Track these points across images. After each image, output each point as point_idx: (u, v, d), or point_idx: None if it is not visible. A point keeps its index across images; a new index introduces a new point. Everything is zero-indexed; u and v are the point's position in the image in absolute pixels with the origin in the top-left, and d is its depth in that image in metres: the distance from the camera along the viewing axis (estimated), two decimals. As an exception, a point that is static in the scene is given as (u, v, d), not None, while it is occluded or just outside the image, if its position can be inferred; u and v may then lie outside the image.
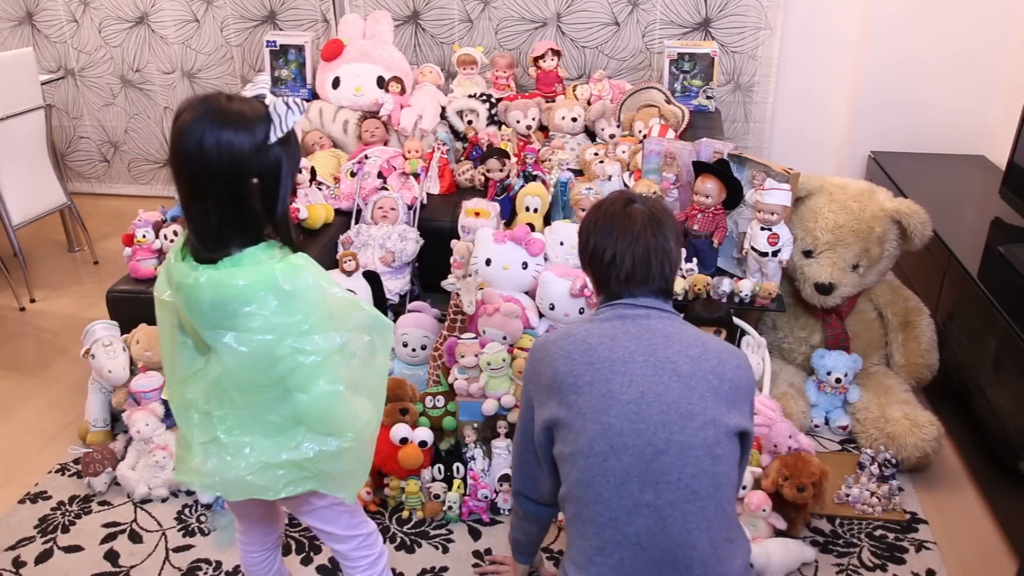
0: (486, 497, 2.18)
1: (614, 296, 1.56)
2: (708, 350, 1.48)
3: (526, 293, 2.60)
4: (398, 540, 2.14)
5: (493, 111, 3.40)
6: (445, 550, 2.11)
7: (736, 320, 2.49)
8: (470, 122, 3.36)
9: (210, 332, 1.33)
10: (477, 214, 2.79)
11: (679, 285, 2.45)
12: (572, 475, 1.43)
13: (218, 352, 1.33)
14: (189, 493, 2.31)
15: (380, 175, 3.11)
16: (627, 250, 1.52)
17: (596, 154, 3.06)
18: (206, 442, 1.40)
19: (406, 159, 3.15)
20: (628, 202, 1.57)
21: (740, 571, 1.44)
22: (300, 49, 3.67)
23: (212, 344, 1.34)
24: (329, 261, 2.78)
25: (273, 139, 1.31)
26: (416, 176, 3.12)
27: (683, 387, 1.43)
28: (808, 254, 2.54)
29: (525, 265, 2.57)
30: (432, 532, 2.17)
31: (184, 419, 1.44)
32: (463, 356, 2.30)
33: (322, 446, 1.39)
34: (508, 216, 2.93)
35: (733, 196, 2.52)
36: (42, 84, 3.51)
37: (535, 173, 2.94)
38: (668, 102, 3.21)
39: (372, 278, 2.67)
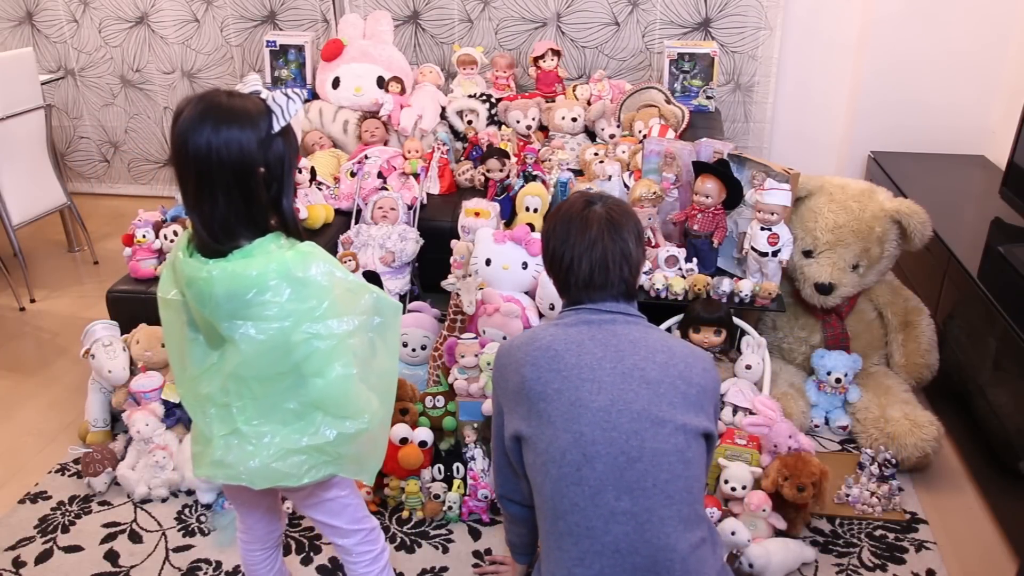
0: (486, 497, 2.18)
1: (575, 301, 1.56)
2: (675, 355, 1.49)
3: (526, 293, 2.60)
4: (398, 540, 2.14)
5: (493, 111, 3.40)
6: (445, 550, 2.11)
7: (736, 320, 2.49)
8: (470, 122, 3.36)
9: (226, 323, 1.35)
10: (477, 214, 2.80)
11: (679, 285, 2.45)
12: (545, 486, 1.43)
13: (235, 343, 1.36)
14: (189, 493, 2.31)
15: (380, 175, 3.11)
16: (584, 255, 1.52)
17: (596, 154, 3.06)
18: (227, 434, 1.42)
19: (406, 159, 3.15)
20: (586, 205, 1.57)
21: (718, 566, 1.47)
22: (300, 49, 3.67)
23: (229, 335, 1.36)
24: (329, 261, 2.78)
25: (276, 129, 1.34)
26: (416, 176, 3.12)
27: (652, 394, 1.43)
28: (808, 254, 2.54)
29: (525, 265, 2.57)
30: (432, 532, 2.17)
31: (200, 415, 1.46)
32: (463, 356, 2.30)
33: (341, 429, 1.42)
34: (508, 216, 2.93)
35: (733, 196, 2.52)
36: (42, 84, 3.51)
37: (535, 173, 2.94)
38: (668, 102, 3.21)
39: (372, 278, 2.66)
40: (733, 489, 2.08)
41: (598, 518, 1.38)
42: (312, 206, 2.90)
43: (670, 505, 1.39)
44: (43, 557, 2.12)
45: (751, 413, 2.27)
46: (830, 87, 3.63)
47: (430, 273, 2.89)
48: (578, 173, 3.06)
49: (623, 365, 1.45)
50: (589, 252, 1.52)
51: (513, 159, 3.04)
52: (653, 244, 2.62)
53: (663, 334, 1.56)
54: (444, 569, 2.05)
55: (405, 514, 2.22)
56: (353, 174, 3.13)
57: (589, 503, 1.38)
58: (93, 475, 2.30)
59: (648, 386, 1.44)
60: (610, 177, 2.85)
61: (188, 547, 2.14)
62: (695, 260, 2.55)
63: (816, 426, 2.50)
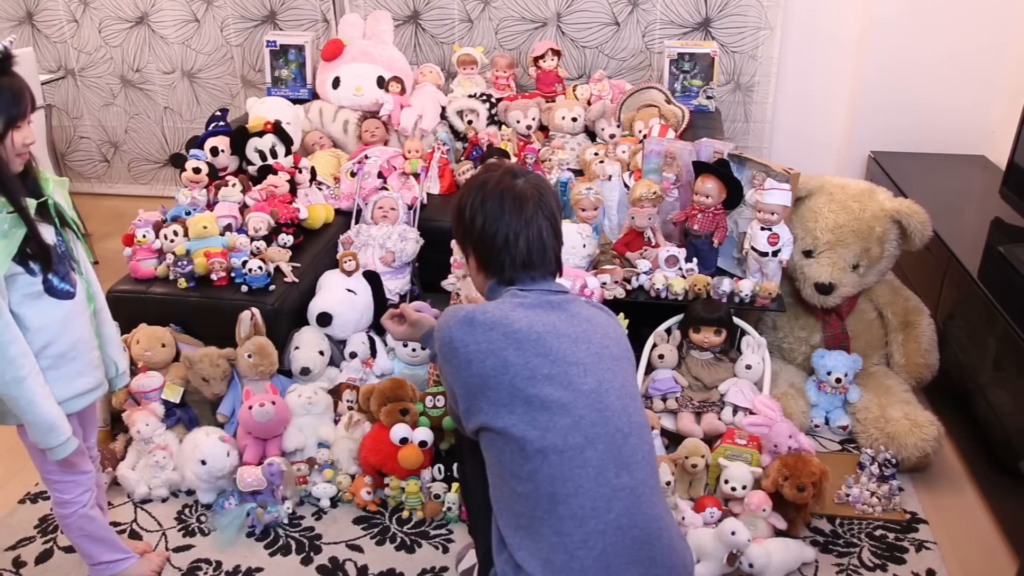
0: (486, 497, 2.18)
1: (508, 281, 1.56)
2: (615, 326, 1.58)
3: (526, 293, 2.60)
4: (398, 540, 2.14)
5: (493, 111, 3.41)
6: (445, 550, 2.11)
7: (736, 320, 2.49)
8: (470, 122, 3.36)
9: None
10: (477, 214, 2.79)
11: (679, 285, 2.45)
12: (540, 472, 1.40)
13: None
14: (189, 493, 2.31)
15: (380, 175, 3.10)
16: (520, 233, 1.52)
17: (596, 154, 3.06)
18: None
19: (406, 159, 3.15)
20: (512, 177, 1.56)
21: (680, 531, 1.58)
22: (300, 49, 3.67)
23: None
24: (329, 261, 2.79)
25: None
26: (416, 176, 3.12)
27: (620, 369, 1.50)
28: (808, 254, 2.54)
29: (525, 265, 2.57)
30: (432, 532, 2.17)
31: None
32: (463, 356, 2.30)
33: None
34: (508, 216, 2.92)
35: (733, 196, 2.52)
36: (42, 84, 3.51)
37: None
38: (668, 102, 3.21)
39: (372, 278, 2.67)
40: (733, 489, 2.08)
41: (601, 497, 1.40)
42: (312, 206, 2.90)
43: (652, 475, 1.47)
44: (43, 557, 2.12)
45: (751, 413, 2.27)
46: (830, 87, 3.63)
47: (430, 273, 2.89)
48: (578, 173, 3.06)
49: (594, 345, 1.49)
50: (526, 231, 1.52)
51: (513, 159, 3.04)
52: (653, 244, 2.62)
53: (589, 305, 1.61)
54: (444, 569, 2.05)
55: (405, 514, 2.22)
56: (353, 174, 3.14)
57: (593, 484, 1.40)
58: (93, 475, 2.30)
59: (616, 363, 1.50)
60: (610, 177, 2.85)
61: (188, 547, 2.14)
62: (695, 260, 2.55)
63: (816, 426, 2.50)
